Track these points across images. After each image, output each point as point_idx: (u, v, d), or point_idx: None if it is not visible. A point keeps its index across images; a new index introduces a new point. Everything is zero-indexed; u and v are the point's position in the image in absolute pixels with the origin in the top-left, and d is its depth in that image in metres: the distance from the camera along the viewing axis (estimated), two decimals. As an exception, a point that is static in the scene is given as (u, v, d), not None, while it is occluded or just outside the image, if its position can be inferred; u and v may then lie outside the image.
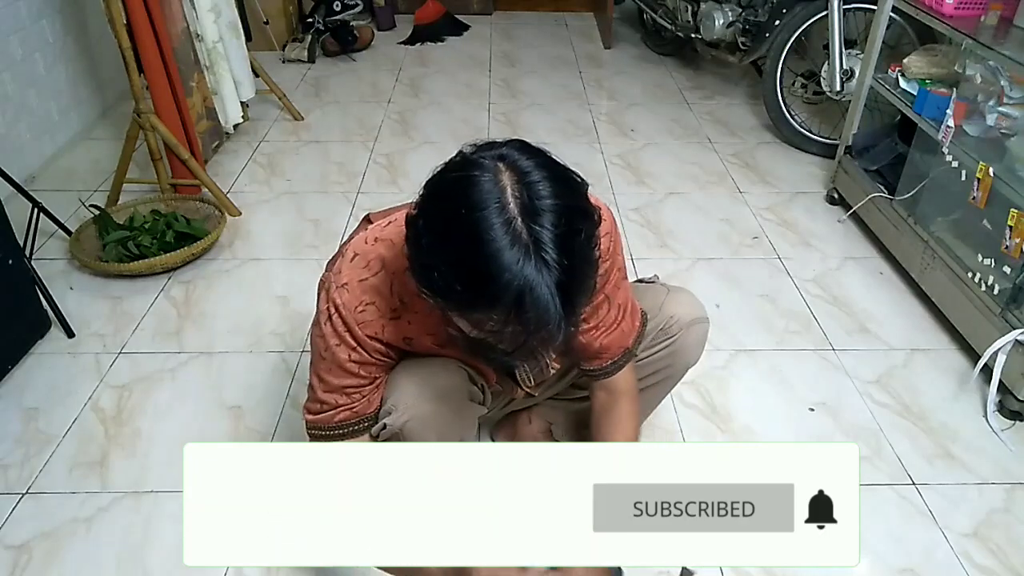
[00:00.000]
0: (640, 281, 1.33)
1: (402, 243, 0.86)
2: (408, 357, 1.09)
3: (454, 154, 0.84)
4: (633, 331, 1.17)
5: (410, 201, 1.19)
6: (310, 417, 1.09)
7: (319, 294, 1.05)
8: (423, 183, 0.84)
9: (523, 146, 0.83)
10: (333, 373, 1.04)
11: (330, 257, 1.17)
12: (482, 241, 0.75)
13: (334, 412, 1.06)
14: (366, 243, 1.02)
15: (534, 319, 0.76)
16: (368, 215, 1.18)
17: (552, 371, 1.24)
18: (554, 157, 0.84)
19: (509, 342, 0.81)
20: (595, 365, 1.17)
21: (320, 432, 1.08)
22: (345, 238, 1.34)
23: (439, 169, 0.84)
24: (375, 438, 1.09)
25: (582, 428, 1.46)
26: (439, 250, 0.79)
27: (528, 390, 1.26)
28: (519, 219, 0.76)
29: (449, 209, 0.79)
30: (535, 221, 0.76)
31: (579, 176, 0.84)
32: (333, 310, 1.00)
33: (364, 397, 1.06)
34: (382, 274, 0.99)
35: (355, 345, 1.01)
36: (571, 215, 0.79)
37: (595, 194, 1.06)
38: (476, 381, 1.16)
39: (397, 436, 1.06)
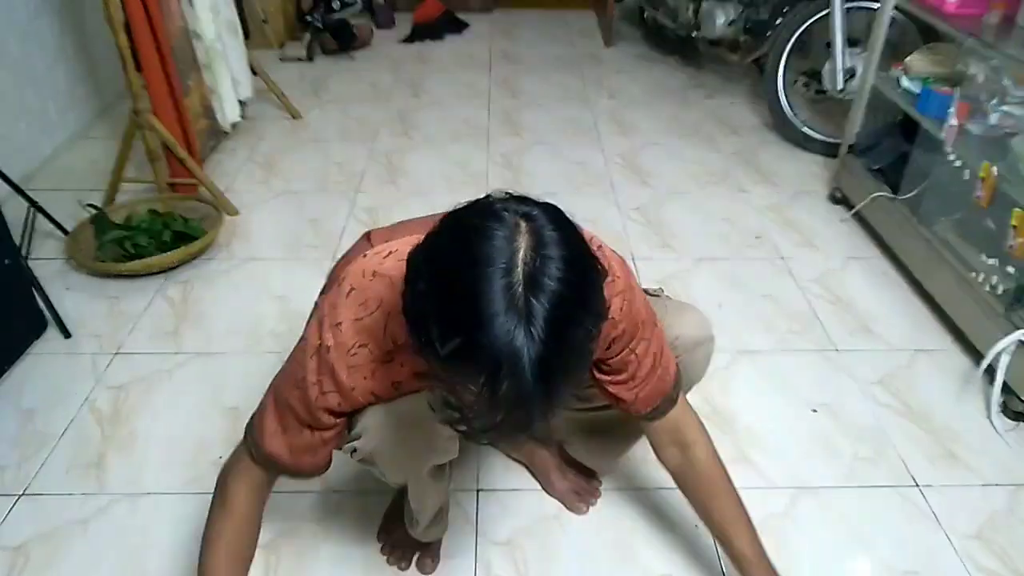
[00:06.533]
0: (644, 292, 1.31)
1: (401, 281, 0.82)
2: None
3: (483, 195, 0.79)
4: (669, 377, 1.12)
5: (414, 219, 1.14)
6: (248, 425, 1.04)
7: (311, 319, 1.00)
8: (441, 217, 0.79)
9: (556, 215, 0.77)
10: (290, 406, 0.99)
11: (329, 268, 1.13)
12: (476, 297, 0.71)
13: (272, 439, 1.01)
14: (364, 276, 0.96)
15: (510, 393, 0.71)
16: (369, 233, 1.13)
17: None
18: (584, 236, 0.78)
19: (482, 417, 0.75)
20: (636, 411, 1.12)
21: (248, 441, 1.03)
22: (342, 252, 1.29)
23: (460, 207, 0.79)
24: (350, 455, 1.05)
25: (592, 436, 1.44)
26: (432, 296, 0.74)
27: None
28: (520, 286, 0.71)
29: (453, 255, 0.74)
30: (534, 295, 0.71)
31: (600, 266, 0.79)
32: (322, 349, 0.95)
33: (300, 449, 1.00)
34: (377, 314, 0.94)
35: (329, 390, 0.96)
36: (572, 307, 0.73)
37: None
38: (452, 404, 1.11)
39: (369, 459, 1.04)
